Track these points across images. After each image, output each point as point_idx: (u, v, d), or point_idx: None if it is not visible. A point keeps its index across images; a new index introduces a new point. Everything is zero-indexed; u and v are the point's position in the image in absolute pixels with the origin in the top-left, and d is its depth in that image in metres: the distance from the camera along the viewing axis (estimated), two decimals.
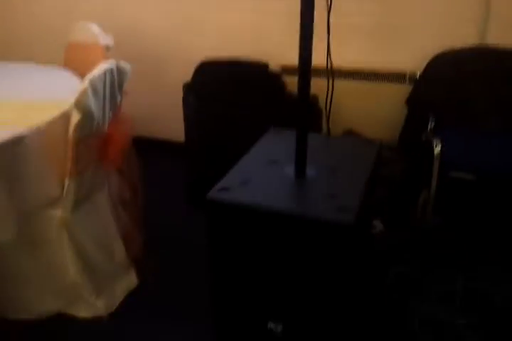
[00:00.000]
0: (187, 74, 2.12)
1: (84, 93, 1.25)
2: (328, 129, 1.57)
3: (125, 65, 1.47)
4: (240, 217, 1.11)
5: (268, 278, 1.16)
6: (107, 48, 1.98)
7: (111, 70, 1.38)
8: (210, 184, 1.16)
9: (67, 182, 1.38)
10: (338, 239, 1.00)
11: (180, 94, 2.11)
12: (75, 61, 2.06)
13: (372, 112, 2.19)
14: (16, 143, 1.25)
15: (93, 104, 1.29)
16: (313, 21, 1.06)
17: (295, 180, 1.18)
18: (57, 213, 1.42)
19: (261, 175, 1.20)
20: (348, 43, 2.12)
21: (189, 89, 2.07)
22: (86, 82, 1.27)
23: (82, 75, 1.30)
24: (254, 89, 1.94)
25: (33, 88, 1.72)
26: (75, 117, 1.27)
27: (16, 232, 1.33)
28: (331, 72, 1.44)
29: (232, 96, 1.91)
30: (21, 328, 1.47)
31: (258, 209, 1.06)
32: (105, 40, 1.97)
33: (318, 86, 1.60)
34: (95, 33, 1.97)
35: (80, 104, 1.25)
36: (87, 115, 1.28)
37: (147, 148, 2.55)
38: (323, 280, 1.08)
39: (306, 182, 1.17)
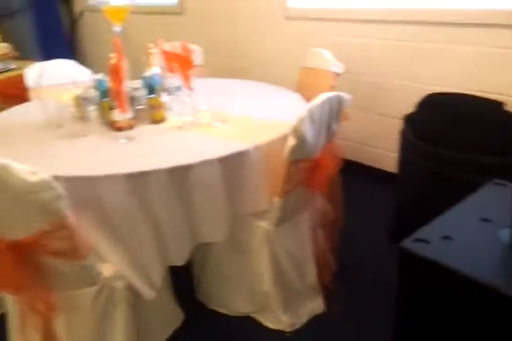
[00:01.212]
0: (409, 107, 2.07)
1: (301, 121, 1.34)
2: None
3: (345, 96, 1.51)
4: (434, 275, 1.00)
5: None
6: (336, 75, 2.08)
7: (330, 100, 1.44)
8: (414, 228, 1.08)
9: (275, 199, 1.50)
10: None
11: (399, 125, 2.07)
12: (306, 85, 2.23)
13: None
14: (240, 156, 1.42)
15: (309, 132, 1.37)
16: None
17: (509, 247, 1.01)
18: (263, 225, 1.55)
19: (468, 233, 1.06)
20: None
21: (409, 121, 1.99)
22: (305, 111, 1.35)
23: (309, 99, 1.40)
24: (482, 131, 1.74)
25: (264, 108, 1.91)
26: (291, 142, 1.36)
27: (227, 235, 1.49)
28: None
29: (456, 136, 1.75)
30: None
31: (457, 273, 0.94)
32: (335, 67, 2.07)
33: None
34: (327, 60, 2.09)
35: (296, 131, 1.34)
36: (301, 141, 1.36)
37: (358, 174, 2.57)
38: None
39: None
